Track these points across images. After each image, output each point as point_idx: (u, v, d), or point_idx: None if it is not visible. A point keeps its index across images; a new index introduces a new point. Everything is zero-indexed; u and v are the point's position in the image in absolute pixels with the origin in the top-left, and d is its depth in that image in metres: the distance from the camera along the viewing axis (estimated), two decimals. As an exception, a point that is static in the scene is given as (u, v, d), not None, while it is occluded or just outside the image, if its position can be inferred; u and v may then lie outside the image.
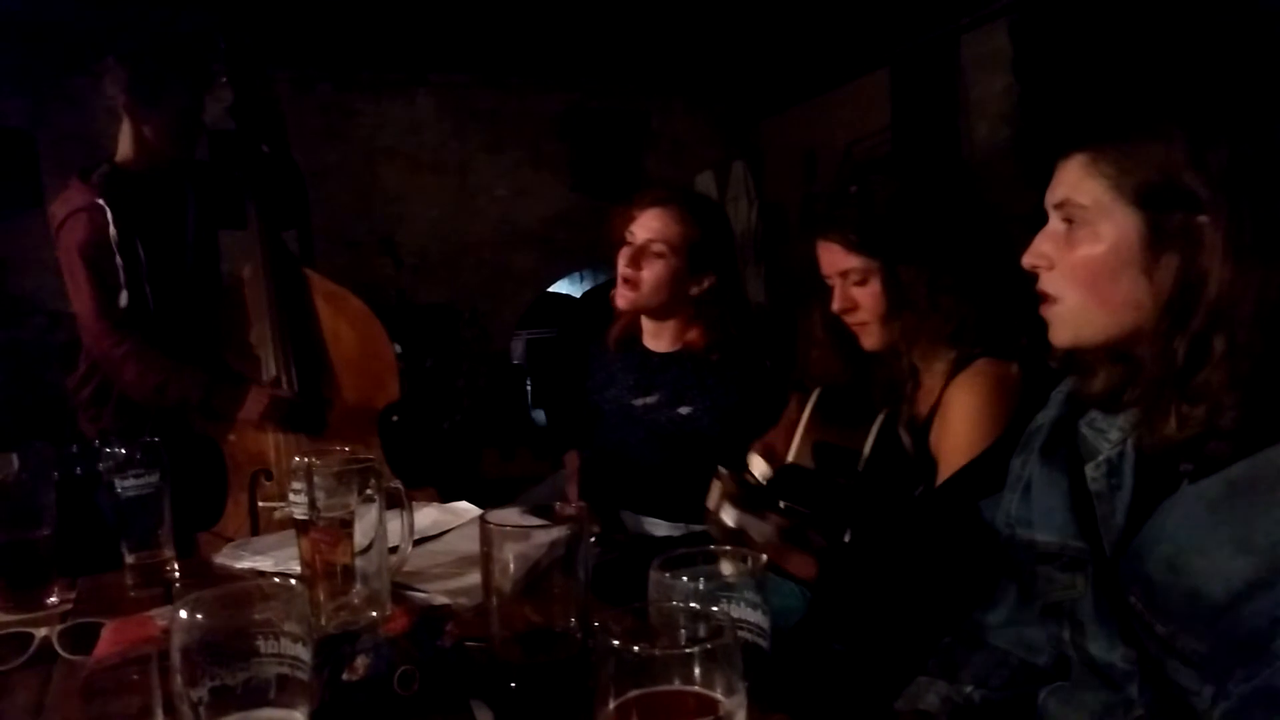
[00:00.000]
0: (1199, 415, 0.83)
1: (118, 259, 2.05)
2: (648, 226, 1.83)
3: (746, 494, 1.27)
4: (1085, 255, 0.91)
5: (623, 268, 1.84)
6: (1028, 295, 1.13)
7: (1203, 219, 0.84)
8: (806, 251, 1.44)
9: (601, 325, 2.04)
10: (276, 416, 2.12)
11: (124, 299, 2.06)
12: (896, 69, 4.20)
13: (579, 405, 2.06)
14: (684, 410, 1.82)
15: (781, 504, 1.29)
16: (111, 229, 2.05)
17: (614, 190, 4.83)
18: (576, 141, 4.99)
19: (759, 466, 1.32)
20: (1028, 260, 0.97)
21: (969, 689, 1.06)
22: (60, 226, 2.11)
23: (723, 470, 1.30)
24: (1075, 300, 0.93)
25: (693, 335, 1.88)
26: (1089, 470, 0.95)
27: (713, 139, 5.23)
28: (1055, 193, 0.95)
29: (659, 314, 1.89)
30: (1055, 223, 0.95)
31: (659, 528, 1.85)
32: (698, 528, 1.77)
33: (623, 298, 1.86)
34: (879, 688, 1.11)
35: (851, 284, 1.37)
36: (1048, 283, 0.95)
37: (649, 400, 1.88)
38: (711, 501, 1.28)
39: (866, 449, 1.42)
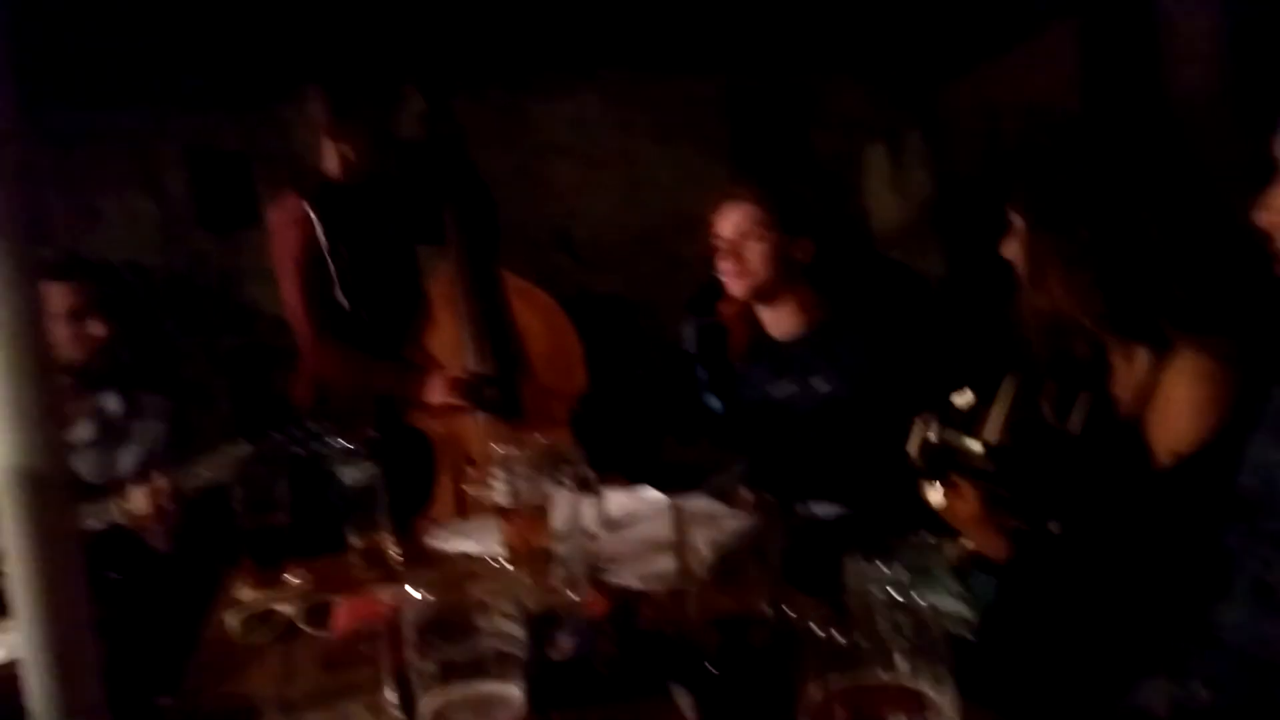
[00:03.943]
0: None
1: (330, 265, 2.23)
2: (730, 222, 1.89)
3: (953, 416, 1.25)
4: None
5: (724, 266, 1.90)
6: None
7: None
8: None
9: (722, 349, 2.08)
10: (459, 395, 2.24)
11: (341, 296, 2.23)
12: (1086, 18, 3.88)
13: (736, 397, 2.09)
14: (821, 388, 1.83)
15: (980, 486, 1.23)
16: (321, 237, 2.24)
17: (781, 170, 4.75)
18: (740, 123, 4.94)
19: (962, 398, 1.27)
20: (1264, 218, 0.86)
21: (1201, 691, 0.97)
22: (275, 235, 2.32)
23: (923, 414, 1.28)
24: None
25: (811, 308, 1.89)
26: None
27: (884, 109, 5.02)
28: None
29: (773, 294, 1.90)
30: None
31: (826, 509, 1.81)
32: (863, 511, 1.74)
33: (736, 287, 1.89)
34: (1097, 688, 1.04)
35: (1012, 240, 1.32)
36: None
37: (787, 387, 1.89)
38: (912, 445, 1.26)
39: (1076, 431, 1.32)
